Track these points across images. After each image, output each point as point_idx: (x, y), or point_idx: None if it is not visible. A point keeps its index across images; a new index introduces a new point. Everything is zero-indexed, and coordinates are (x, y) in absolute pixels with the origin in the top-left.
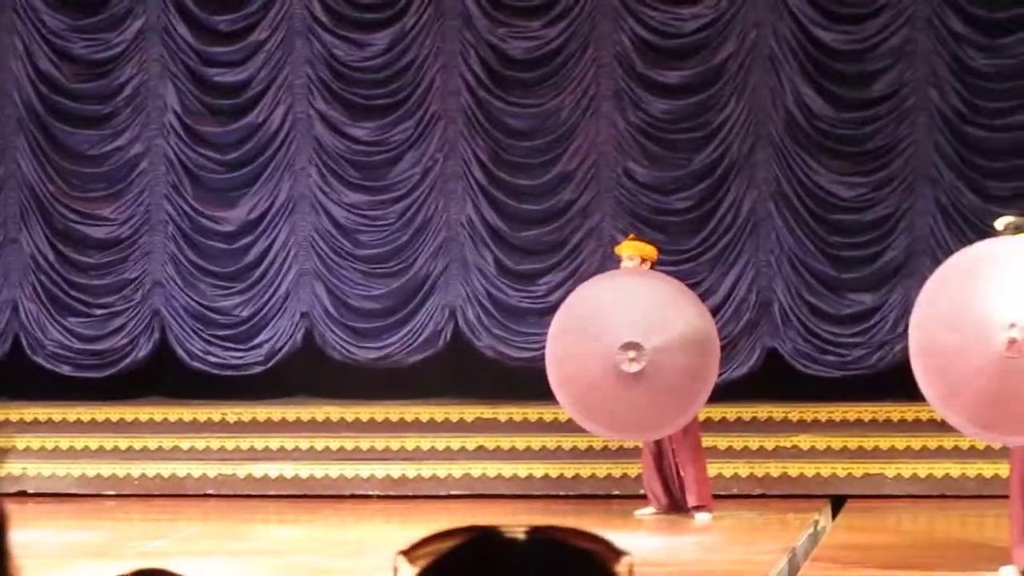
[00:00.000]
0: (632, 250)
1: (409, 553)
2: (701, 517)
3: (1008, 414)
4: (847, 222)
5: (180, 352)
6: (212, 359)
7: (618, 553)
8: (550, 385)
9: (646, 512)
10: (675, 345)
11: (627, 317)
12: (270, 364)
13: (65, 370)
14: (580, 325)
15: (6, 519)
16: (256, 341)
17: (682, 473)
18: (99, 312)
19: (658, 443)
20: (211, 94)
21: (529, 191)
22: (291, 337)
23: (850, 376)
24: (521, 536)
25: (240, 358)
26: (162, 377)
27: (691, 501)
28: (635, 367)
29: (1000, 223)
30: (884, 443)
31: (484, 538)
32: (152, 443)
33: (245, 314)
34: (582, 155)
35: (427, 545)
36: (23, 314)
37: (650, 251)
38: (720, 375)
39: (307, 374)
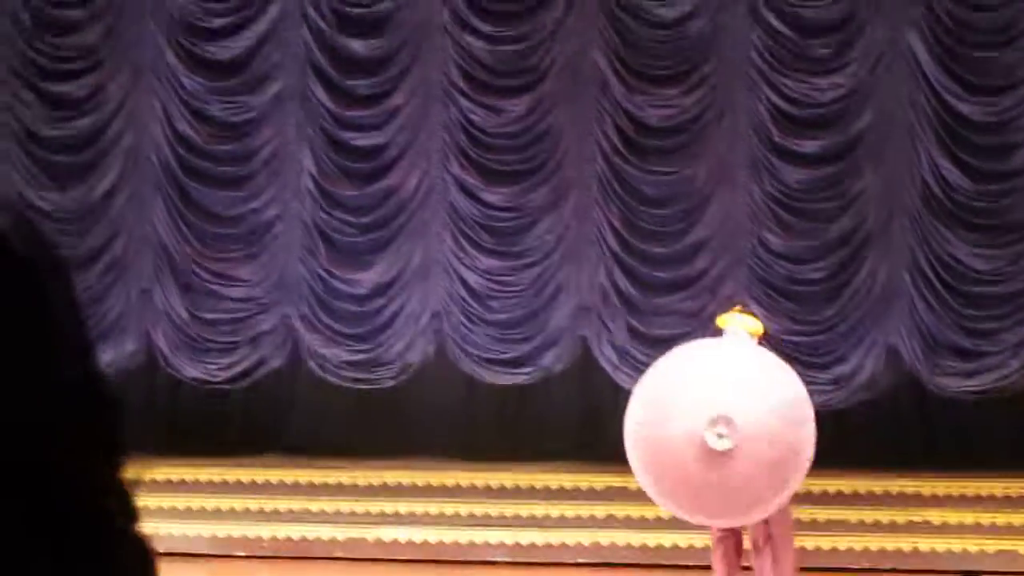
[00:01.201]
0: (734, 323)
1: None
2: None
3: None
4: (984, 295)
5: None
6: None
7: None
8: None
9: None
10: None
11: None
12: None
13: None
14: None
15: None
16: None
17: (766, 563)
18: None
19: (735, 531)
20: (347, 157)
21: (662, 259)
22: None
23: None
24: None
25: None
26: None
27: None
28: (726, 444)
29: None
30: (1017, 519)
31: None
32: (282, 504)
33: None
34: (716, 224)
35: None
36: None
37: (755, 326)
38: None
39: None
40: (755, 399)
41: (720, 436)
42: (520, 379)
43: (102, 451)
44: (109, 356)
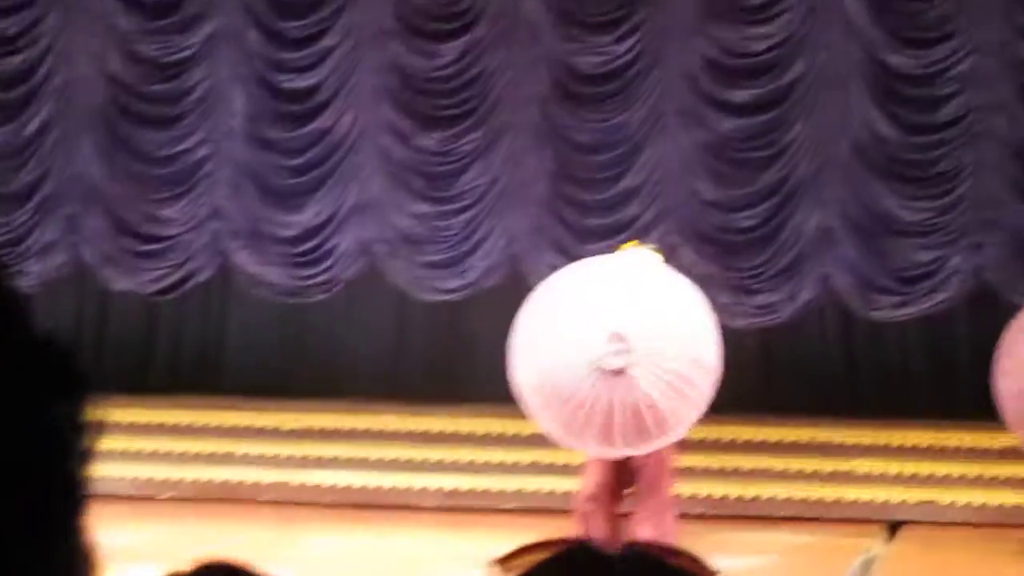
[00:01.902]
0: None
1: (503, 563)
2: None
3: None
4: (912, 245)
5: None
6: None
7: (710, 572)
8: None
9: None
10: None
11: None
12: None
13: None
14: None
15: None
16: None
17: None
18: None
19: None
20: (280, 99)
21: (594, 205)
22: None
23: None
24: (616, 552)
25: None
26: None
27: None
28: (618, 362)
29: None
30: (941, 469)
31: (579, 551)
32: (208, 447)
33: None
34: (648, 172)
35: (521, 556)
36: None
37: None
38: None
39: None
40: (651, 316)
41: (616, 354)
42: (452, 296)
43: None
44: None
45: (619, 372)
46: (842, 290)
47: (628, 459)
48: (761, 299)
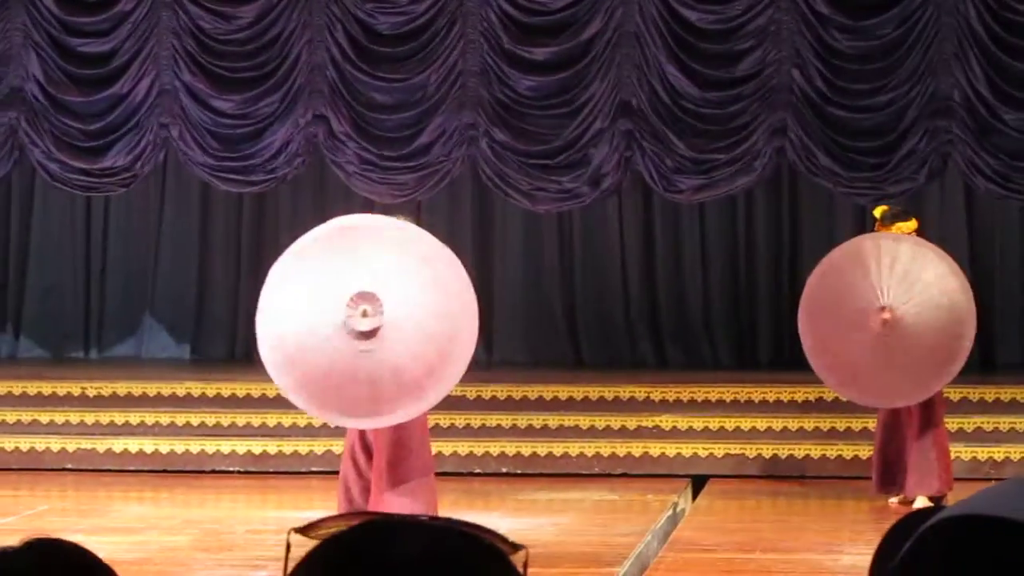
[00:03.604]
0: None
1: (304, 532)
2: None
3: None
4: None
5: None
6: None
7: (515, 547)
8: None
9: None
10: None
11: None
12: None
13: None
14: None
15: None
16: None
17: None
18: None
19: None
20: (75, 64)
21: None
22: None
23: None
24: (418, 521)
25: None
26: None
27: None
28: (366, 324)
29: (878, 211)
30: (745, 423)
31: (380, 524)
32: (11, 416)
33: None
34: (444, 129)
35: (321, 526)
36: None
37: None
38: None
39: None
40: (400, 276)
41: (364, 315)
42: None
43: None
44: None
45: (369, 334)
46: None
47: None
48: None
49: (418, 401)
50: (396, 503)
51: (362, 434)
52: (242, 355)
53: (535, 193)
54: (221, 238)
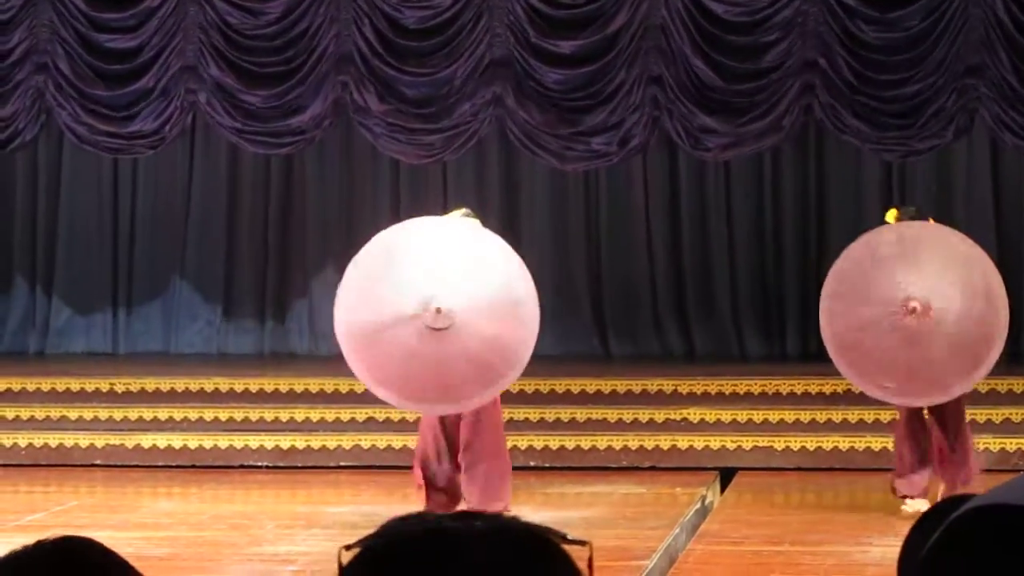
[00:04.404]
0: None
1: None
2: None
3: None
4: None
5: None
6: None
7: (580, 544)
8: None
9: None
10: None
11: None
12: None
13: None
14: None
15: None
16: None
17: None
18: None
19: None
20: (102, 59)
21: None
22: None
23: None
24: (467, 525)
25: None
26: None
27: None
28: (440, 323)
29: (890, 215)
30: (773, 416)
31: (441, 530)
32: (40, 412)
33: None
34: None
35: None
36: None
37: None
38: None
39: None
40: (463, 281)
41: (437, 312)
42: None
43: None
44: None
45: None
46: None
47: (458, 418)
48: None
49: (492, 385)
50: (476, 491)
51: (442, 420)
52: (272, 315)
53: (564, 152)
54: (249, 196)
